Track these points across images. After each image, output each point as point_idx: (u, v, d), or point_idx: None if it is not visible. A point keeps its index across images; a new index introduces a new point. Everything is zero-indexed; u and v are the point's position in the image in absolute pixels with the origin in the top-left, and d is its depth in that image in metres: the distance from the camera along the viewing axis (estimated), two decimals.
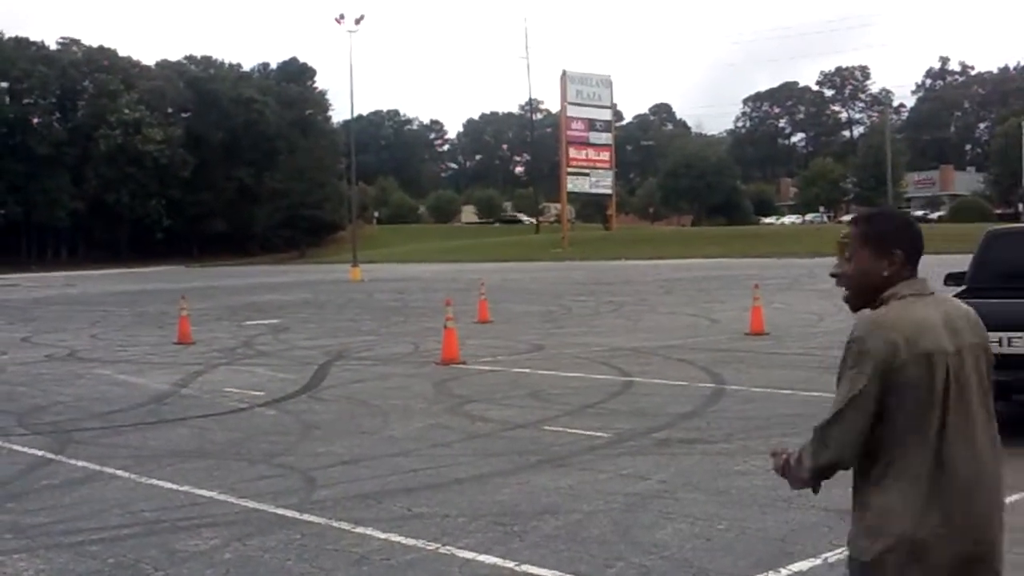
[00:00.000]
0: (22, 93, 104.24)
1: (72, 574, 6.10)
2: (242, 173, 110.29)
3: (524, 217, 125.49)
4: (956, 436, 2.94)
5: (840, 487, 7.58)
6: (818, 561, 5.93)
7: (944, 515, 2.90)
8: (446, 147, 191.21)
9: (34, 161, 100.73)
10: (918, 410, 2.92)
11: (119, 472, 8.84)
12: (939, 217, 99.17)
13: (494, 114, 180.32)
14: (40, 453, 9.73)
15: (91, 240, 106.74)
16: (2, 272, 77.98)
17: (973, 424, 2.98)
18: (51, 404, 12.97)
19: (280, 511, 7.39)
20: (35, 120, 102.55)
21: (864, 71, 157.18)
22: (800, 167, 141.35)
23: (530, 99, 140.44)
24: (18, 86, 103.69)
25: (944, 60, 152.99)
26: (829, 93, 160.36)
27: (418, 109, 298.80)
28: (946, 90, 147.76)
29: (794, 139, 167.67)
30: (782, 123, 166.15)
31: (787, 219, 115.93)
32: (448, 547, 6.38)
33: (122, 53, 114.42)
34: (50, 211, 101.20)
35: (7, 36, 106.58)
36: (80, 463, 9.26)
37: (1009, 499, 5.48)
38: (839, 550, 6.05)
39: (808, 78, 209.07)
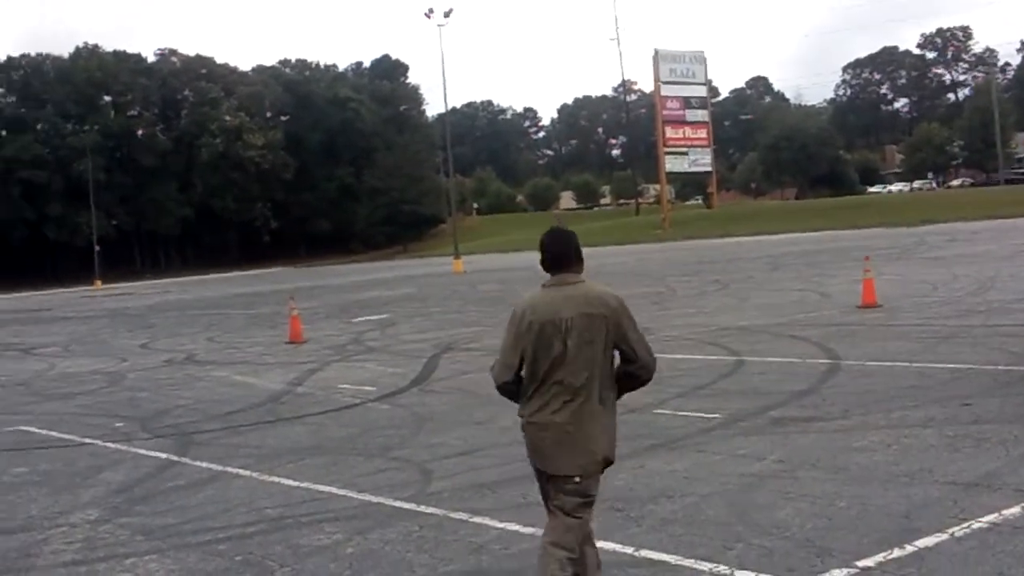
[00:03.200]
0: (126, 106, 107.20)
1: (201, 573, 6.26)
2: (342, 172, 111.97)
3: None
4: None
5: (965, 461, 7.42)
6: (945, 536, 5.78)
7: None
8: (541, 134, 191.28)
9: (141, 172, 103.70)
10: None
11: (241, 471, 9.05)
12: None
13: (588, 98, 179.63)
14: (164, 456, 10.01)
15: (200, 245, 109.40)
16: (117, 281, 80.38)
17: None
18: (172, 408, 13.33)
19: (398, 504, 7.48)
20: (140, 132, 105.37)
21: (966, 31, 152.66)
22: (905, 133, 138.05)
23: (623, 81, 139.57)
24: (121, 99, 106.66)
25: None
26: (931, 56, 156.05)
27: (511, 98, 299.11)
28: None
29: (897, 105, 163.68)
30: (884, 89, 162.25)
31: (894, 187, 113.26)
32: None
33: (219, 60, 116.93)
34: (159, 219, 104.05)
35: (108, 51, 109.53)
36: (203, 464, 9.50)
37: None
38: (965, 524, 5.92)
39: (909, 41, 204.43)
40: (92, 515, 7.91)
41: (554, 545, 4.72)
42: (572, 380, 4.68)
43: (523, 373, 4.81)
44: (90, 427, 12.16)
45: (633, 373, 4.88)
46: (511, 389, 4.88)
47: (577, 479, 4.73)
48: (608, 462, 4.85)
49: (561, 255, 4.92)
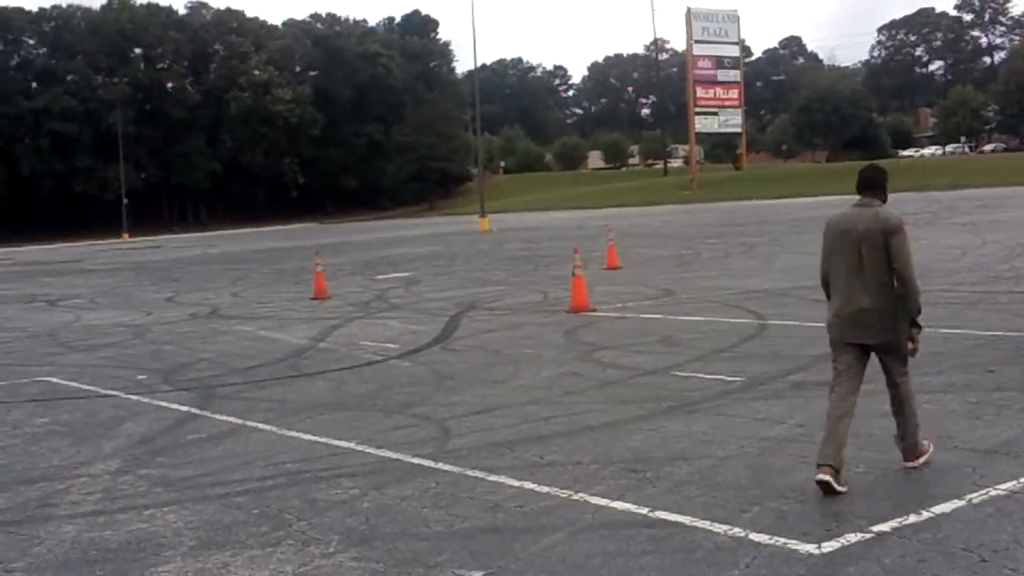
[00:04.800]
0: (156, 59, 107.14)
1: (219, 525, 6.30)
2: (370, 128, 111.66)
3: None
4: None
5: (985, 428, 7.37)
6: (962, 502, 5.75)
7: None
8: (571, 92, 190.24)
9: (171, 125, 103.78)
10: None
11: (261, 425, 9.10)
12: None
13: (619, 56, 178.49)
14: (186, 409, 10.07)
15: (228, 200, 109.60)
16: (145, 234, 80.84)
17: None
18: (195, 361, 13.41)
19: (416, 460, 7.50)
20: (169, 85, 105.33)
21: None
22: (939, 96, 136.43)
23: (655, 39, 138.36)
24: (152, 52, 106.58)
25: None
26: (968, 18, 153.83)
27: (541, 55, 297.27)
28: None
29: (932, 67, 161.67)
30: (919, 51, 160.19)
31: (927, 151, 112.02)
32: (581, 494, 6.39)
33: (249, 14, 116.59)
34: (188, 173, 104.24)
35: (139, 3, 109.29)
36: (224, 417, 9.55)
37: None
38: (983, 491, 5.89)
39: (946, 3, 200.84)
40: (113, 466, 7.98)
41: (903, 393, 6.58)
42: (865, 276, 6.29)
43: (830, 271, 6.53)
44: (113, 379, 12.24)
45: (897, 277, 6.29)
46: (826, 286, 6.62)
47: (884, 345, 6.39)
48: (902, 335, 6.42)
49: (869, 182, 6.46)
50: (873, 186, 6.46)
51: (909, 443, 6.53)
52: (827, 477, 5.97)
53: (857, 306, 6.32)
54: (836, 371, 6.47)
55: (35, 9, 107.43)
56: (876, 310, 6.29)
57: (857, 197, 6.47)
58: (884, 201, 6.45)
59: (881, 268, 6.26)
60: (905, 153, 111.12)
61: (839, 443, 6.15)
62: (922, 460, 6.53)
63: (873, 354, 6.46)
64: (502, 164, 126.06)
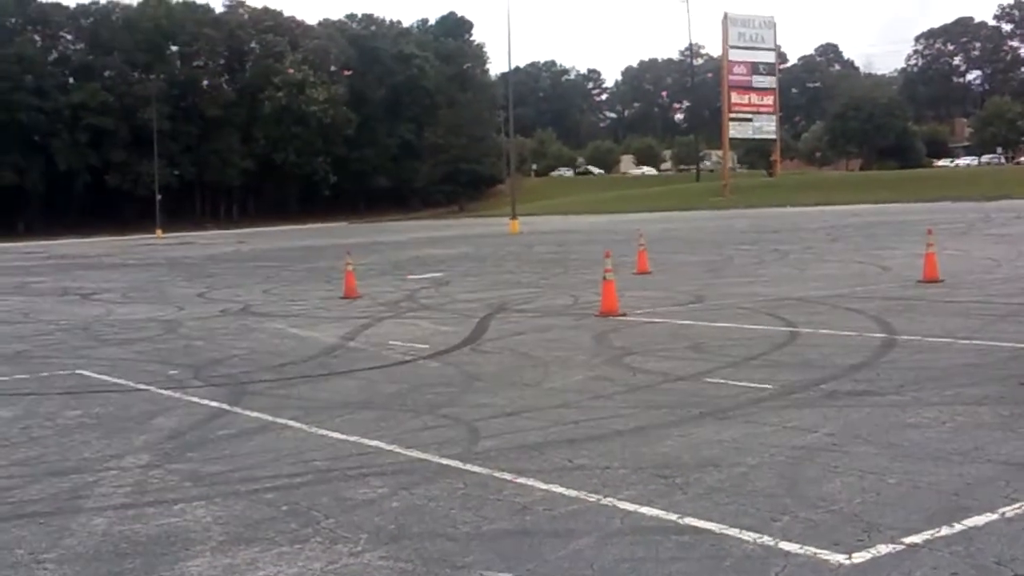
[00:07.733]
0: (192, 56, 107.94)
1: (248, 520, 6.32)
2: (403, 129, 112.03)
3: (594, 168, 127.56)
4: None
5: (1018, 440, 7.29)
6: (995, 516, 5.68)
7: None
8: (604, 96, 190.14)
9: (205, 122, 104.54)
10: None
11: (291, 422, 9.12)
12: None
13: (653, 61, 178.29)
14: (216, 404, 10.11)
15: (261, 198, 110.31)
16: (177, 230, 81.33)
17: None
18: (226, 357, 13.47)
19: (444, 461, 7.49)
20: (205, 83, 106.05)
21: None
22: (976, 106, 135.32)
23: (690, 44, 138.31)
24: (187, 49, 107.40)
25: None
26: (1007, 28, 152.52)
27: (575, 59, 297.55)
28: None
29: (969, 77, 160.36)
30: (956, 60, 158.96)
31: (962, 161, 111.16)
32: (610, 499, 6.36)
33: (286, 13, 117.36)
34: (222, 170, 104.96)
35: (176, 0, 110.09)
36: (254, 414, 9.58)
37: None
38: (1016, 504, 5.81)
39: (985, 13, 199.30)
40: (143, 460, 8.02)
41: None
42: None
43: None
44: (145, 373, 12.32)
45: None
46: None
47: None
48: None
49: None
50: None
51: None
52: None
53: None
54: None
55: (73, 5, 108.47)
56: None
57: None
58: None
59: None
60: (940, 163, 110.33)
61: None
62: None
63: None
64: (533, 167, 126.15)
